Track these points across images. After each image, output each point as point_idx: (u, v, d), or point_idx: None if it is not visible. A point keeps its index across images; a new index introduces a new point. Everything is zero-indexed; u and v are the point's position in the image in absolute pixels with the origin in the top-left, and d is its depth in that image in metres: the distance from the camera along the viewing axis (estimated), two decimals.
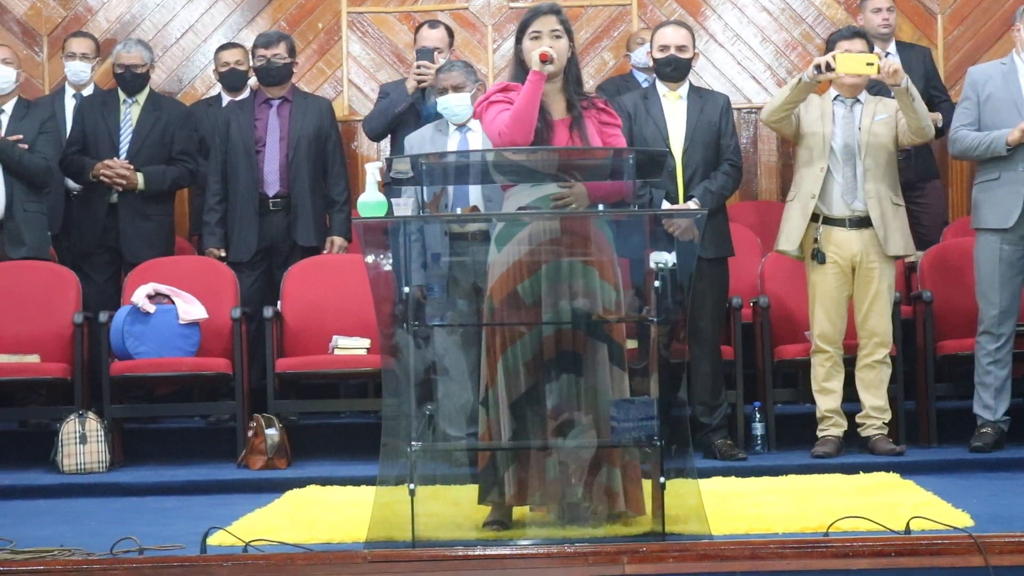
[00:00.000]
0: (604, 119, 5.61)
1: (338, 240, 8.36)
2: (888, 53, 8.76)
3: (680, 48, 7.34)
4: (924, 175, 8.82)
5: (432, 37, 8.36)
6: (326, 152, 8.38)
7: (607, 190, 5.52)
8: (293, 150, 8.29)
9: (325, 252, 8.31)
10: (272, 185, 8.30)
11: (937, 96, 8.69)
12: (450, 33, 8.50)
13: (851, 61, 7.09)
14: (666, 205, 7.05)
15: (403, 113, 8.20)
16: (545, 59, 5.38)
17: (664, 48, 7.37)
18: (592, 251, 5.41)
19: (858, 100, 7.36)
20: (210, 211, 8.34)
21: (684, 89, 7.43)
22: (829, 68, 7.08)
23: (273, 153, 8.31)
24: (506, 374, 5.34)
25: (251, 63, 8.56)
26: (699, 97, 7.45)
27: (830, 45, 7.41)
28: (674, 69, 7.38)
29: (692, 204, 7.16)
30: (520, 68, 5.54)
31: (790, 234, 7.37)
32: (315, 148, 8.33)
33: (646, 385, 5.35)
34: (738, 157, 7.46)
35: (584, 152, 5.49)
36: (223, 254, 8.26)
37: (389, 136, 8.47)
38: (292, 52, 8.39)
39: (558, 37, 5.49)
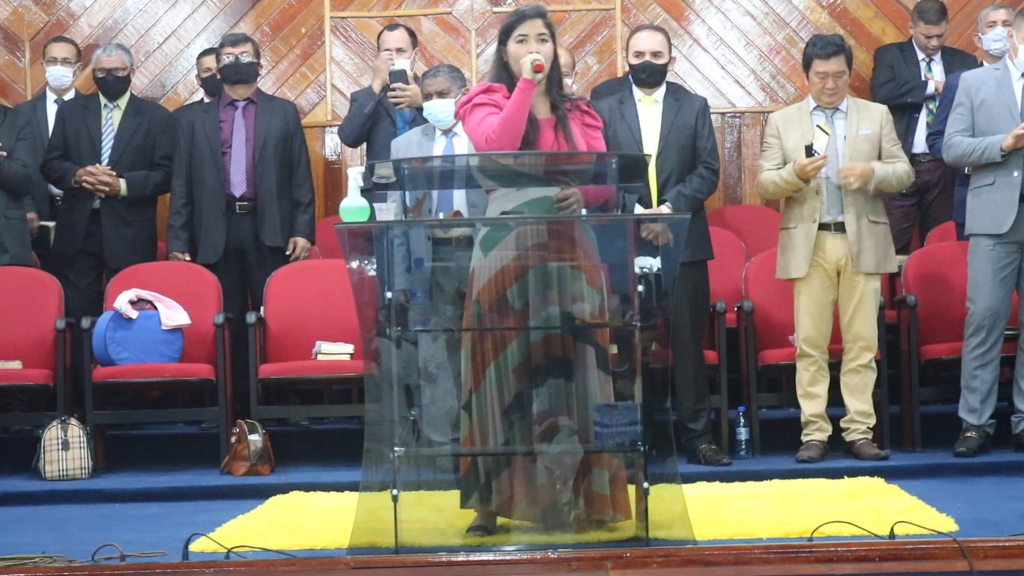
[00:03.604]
0: (587, 121, 5.59)
1: (301, 241, 8.34)
2: (932, 60, 8.80)
3: (655, 54, 7.31)
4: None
5: (394, 39, 8.34)
6: (292, 154, 8.37)
7: (595, 194, 5.51)
8: (259, 152, 8.28)
9: (288, 253, 8.30)
10: (239, 186, 8.27)
11: None
12: (411, 33, 8.48)
13: None
14: (639, 209, 6.97)
15: (373, 113, 8.19)
16: (540, 69, 5.36)
17: (639, 54, 7.34)
18: (579, 256, 5.39)
19: (839, 109, 7.34)
20: (175, 215, 8.32)
21: (660, 93, 7.38)
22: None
23: (239, 155, 8.28)
24: (497, 379, 5.31)
25: (217, 64, 8.51)
26: (675, 100, 7.38)
27: (806, 60, 7.37)
28: (649, 75, 7.34)
29: (664, 209, 7.08)
30: (503, 70, 5.51)
31: (799, 263, 7.31)
32: (281, 150, 8.32)
33: (629, 390, 5.33)
34: (714, 160, 7.36)
35: (572, 156, 5.46)
36: (187, 258, 8.24)
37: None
38: (257, 55, 8.41)
39: (544, 41, 5.46)
